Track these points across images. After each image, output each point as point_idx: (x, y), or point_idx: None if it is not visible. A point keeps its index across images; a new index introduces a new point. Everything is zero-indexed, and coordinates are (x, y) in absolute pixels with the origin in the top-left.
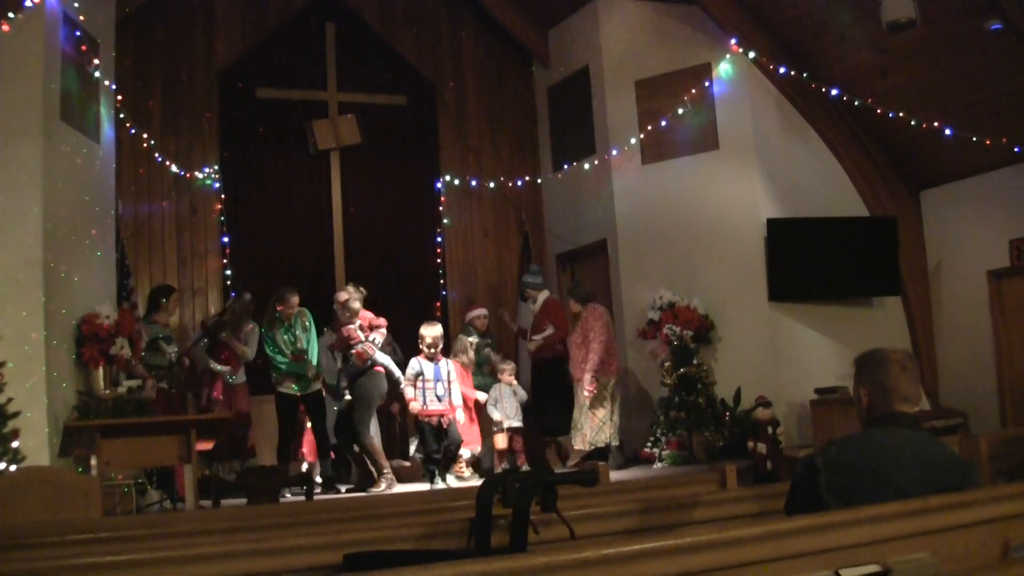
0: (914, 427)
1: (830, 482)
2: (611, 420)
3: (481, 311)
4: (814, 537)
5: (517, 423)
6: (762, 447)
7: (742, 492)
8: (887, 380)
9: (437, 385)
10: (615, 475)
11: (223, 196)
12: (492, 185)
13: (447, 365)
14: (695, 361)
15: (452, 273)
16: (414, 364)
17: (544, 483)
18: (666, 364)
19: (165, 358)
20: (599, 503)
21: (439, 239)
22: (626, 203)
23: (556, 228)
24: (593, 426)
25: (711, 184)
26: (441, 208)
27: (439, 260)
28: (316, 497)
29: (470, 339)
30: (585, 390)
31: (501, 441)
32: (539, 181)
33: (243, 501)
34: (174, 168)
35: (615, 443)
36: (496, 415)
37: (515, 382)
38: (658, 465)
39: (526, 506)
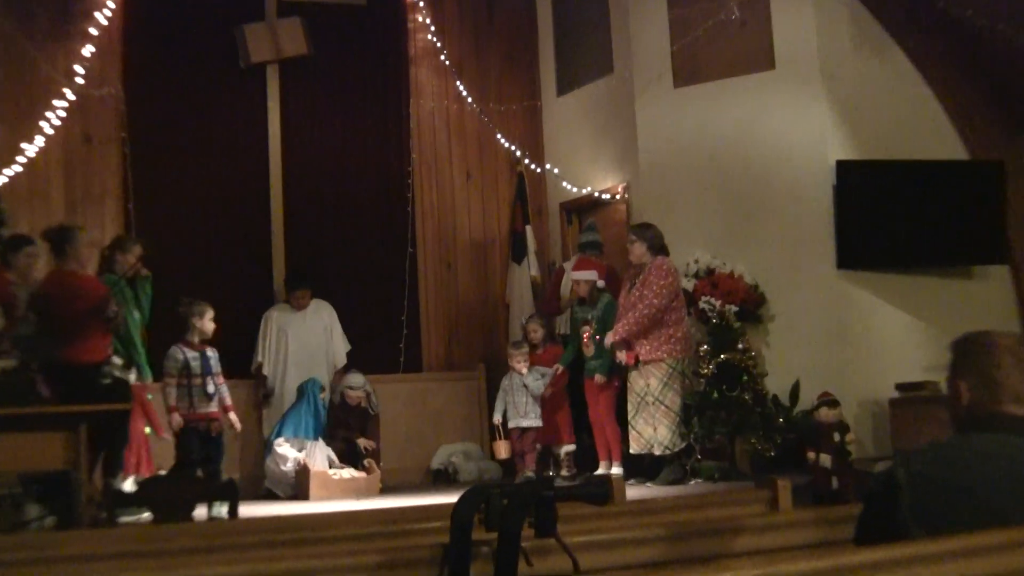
0: None
1: (913, 504)
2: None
3: (588, 274)
4: (891, 574)
5: (529, 421)
6: (825, 458)
7: (799, 515)
8: (995, 372)
9: (207, 380)
10: (634, 492)
11: (127, 123)
12: (477, 112)
13: (215, 355)
14: (740, 345)
15: (424, 227)
16: (177, 354)
17: (540, 499)
18: (702, 348)
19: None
20: (612, 527)
21: (408, 182)
22: (652, 138)
23: (561, 169)
24: (671, 423)
25: (763, 115)
26: (411, 142)
27: (408, 210)
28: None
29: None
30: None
31: (503, 450)
32: (539, 108)
33: (147, 517)
34: (66, 89)
35: (679, 447)
36: (496, 416)
37: (525, 370)
38: (692, 482)
39: (516, 529)
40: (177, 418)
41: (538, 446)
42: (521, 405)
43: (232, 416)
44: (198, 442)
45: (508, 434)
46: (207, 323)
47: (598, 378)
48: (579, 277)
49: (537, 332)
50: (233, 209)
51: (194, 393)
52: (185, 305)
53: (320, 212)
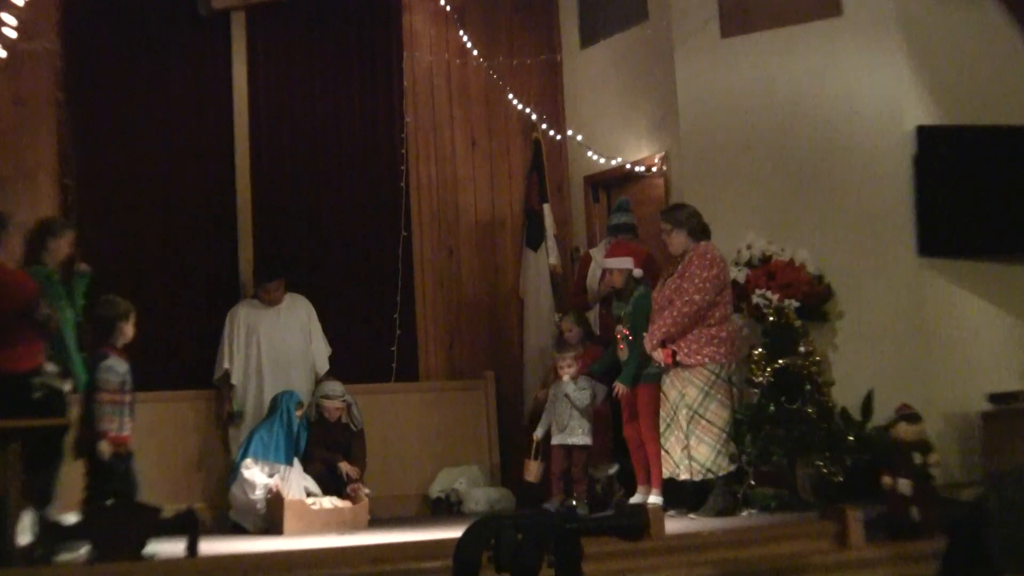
0: None
1: (1007, 536)
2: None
3: (622, 261)
4: None
5: (575, 439)
6: (904, 484)
7: (872, 552)
8: None
9: (134, 397)
10: (675, 524)
11: (64, 82)
12: (484, 67)
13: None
14: (801, 348)
15: (420, 204)
16: (117, 366)
17: (561, 533)
18: (756, 352)
19: None
20: (648, 566)
21: (401, 151)
22: (695, 99)
23: (585, 136)
24: (714, 441)
25: (828, 70)
26: (405, 104)
27: (401, 185)
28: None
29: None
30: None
31: (532, 472)
32: (558, 62)
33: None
34: None
35: (725, 470)
36: (538, 431)
37: (567, 377)
38: (744, 512)
39: (532, 569)
40: (107, 446)
41: (590, 471)
42: (563, 419)
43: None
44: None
45: (545, 453)
46: (131, 327)
47: (619, 387)
48: (612, 265)
49: (572, 331)
50: (191, 186)
51: (125, 412)
52: (108, 305)
53: (295, 189)
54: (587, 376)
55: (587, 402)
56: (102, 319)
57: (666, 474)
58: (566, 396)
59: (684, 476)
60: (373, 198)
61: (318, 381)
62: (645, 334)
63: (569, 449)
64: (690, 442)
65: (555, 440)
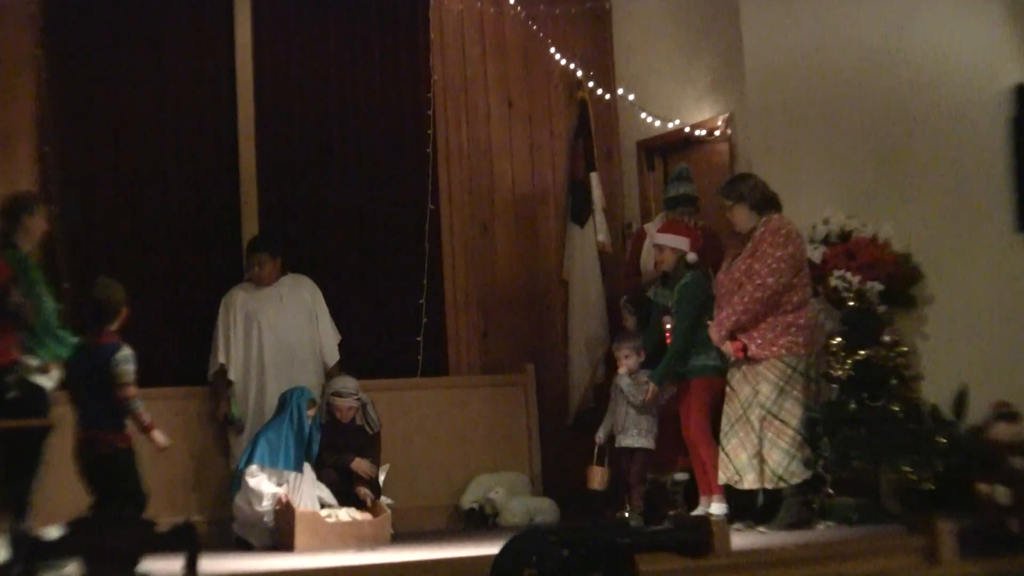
0: None
1: None
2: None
3: (674, 239)
4: None
5: (631, 440)
6: (1002, 492)
7: (966, 569)
8: None
9: None
10: (742, 539)
11: (45, 36)
12: (522, 16)
13: None
14: (886, 337)
15: (450, 175)
16: (131, 356)
17: (613, 549)
18: (834, 342)
19: None
20: None
21: (427, 114)
22: (764, 53)
23: (638, 96)
24: (789, 444)
25: (914, 21)
26: (432, 60)
27: (427, 151)
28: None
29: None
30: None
31: (596, 479)
32: (607, 10)
33: (72, 572)
34: None
35: (800, 478)
36: (600, 432)
37: (623, 370)
38: (821, 525)
39: None
40: (161, 435)
41: (649, 475)
42: (620, 418)
43: None
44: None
45: (611, 458)
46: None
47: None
48: (664, 242)
49: (629, 320)
50: (187, 153)
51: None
52: (110, 287)
53: (305, 157)
54: (645, 371)
55: (643, 398)
56: (103, 303)
57: (722, 480)
58: (621, 392)
59: (749, 484)
60: (396, 167)
61: (327, 374)
62: (710, 323)
63: (631, 452)
64: (763, 446)
65: (617, 443)
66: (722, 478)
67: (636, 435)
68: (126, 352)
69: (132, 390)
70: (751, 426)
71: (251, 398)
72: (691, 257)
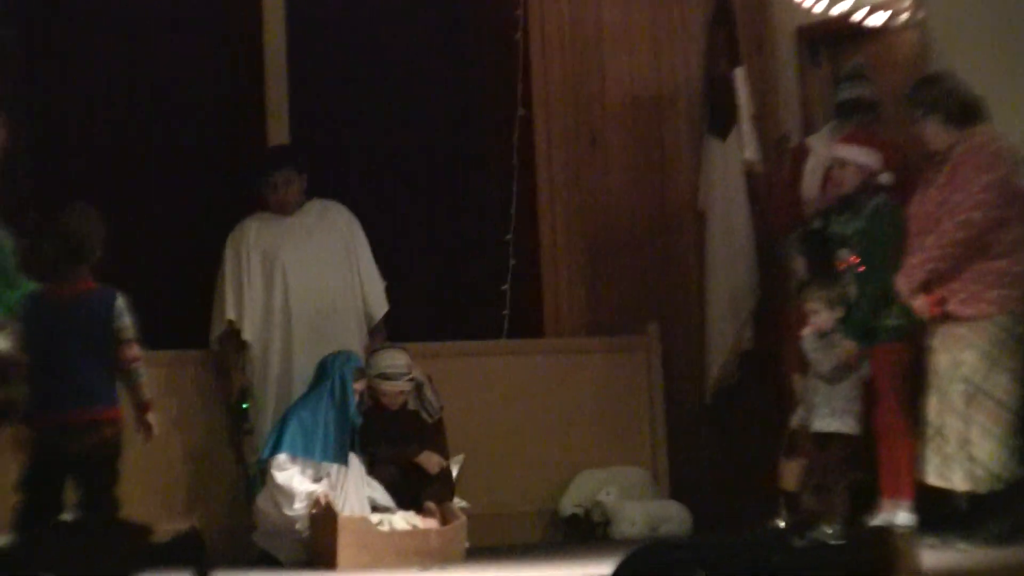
0: None
1: None
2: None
3: (859, 153)
4: None
5: (824, 424)
6: None
7: None
8: None
9: None
10: (936, 558)
11: None
12: None
13: None
14: None
15: (545, 69)
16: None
17: (763, 569)
18: None
19: None
20: None
21: None
22: None
23: None
24: (1004, 431)
25: None
26: None
27: (517, 38)
28: None
29: None
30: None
31: (791, 478)
32: None
33: None
34: None
35: (1009, 478)
36: (795, 416)
37: (807, 331)
38: None
39: None
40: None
41: (851, 474)
42: (810, 393)
43: None
44: None
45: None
46: None
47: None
48: (847, 156)
49: (798, 264)
50: (195, 39)
51: None
52: (85, 216)
53: (349, 55)
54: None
55: (831, 365)
56: (80, 238)
57: (935, 479)
58: (815, 350)
59: (955, 484)
60: (473, 59)
61: (371, 332)
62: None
63: (825, 439)
64: (971, 434)
65: (812, 427)
66: (932, 477)
67: (831, 417)
68: (123, 302)
69: (133, 350)
70: (953, 408)
71: (274, 365)
72: (885, 178)
